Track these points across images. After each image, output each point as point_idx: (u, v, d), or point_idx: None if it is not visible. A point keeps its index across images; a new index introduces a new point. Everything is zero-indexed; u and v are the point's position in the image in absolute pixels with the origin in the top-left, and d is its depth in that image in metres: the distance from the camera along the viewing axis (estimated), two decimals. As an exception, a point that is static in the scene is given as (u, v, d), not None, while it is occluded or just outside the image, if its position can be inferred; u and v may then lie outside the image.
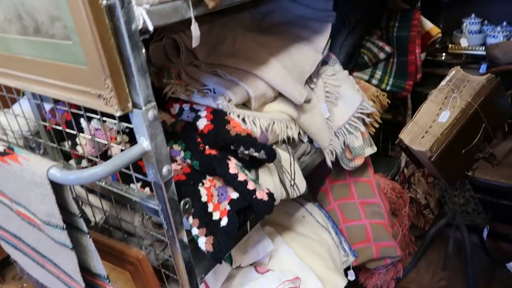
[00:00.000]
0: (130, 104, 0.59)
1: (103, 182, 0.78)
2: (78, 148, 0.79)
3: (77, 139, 0.79)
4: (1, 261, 1.96)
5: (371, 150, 1.27)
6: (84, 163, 0.83)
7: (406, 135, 1.32)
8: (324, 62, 1.24)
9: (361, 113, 1.24)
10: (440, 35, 1.52)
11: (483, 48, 1.87)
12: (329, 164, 1.14)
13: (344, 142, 1.20)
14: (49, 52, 0.63)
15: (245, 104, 0.98)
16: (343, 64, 1.27)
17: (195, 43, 0.67)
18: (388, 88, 1.40)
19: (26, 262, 0.85)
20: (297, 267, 1.11)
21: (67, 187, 0.60)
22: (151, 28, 0.56)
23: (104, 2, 0.51)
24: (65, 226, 0.61)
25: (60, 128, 0.79)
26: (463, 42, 1.93)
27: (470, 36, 1.93)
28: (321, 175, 1.45)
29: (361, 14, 1.35)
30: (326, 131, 1.11)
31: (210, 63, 0.98)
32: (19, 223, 0.76)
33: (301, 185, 1.01)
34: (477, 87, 1.26)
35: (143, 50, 0.57)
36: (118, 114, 0.58)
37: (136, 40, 0.55)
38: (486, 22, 1.98)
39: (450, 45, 1.99)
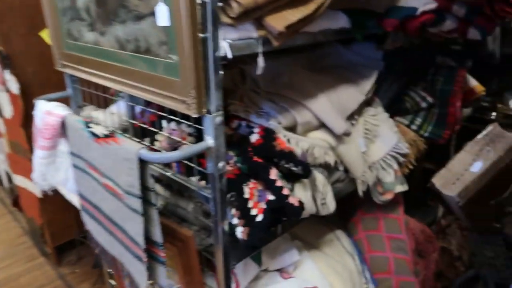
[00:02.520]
0: (204, 110, 0.78)
1: (170, 173, 0.98)
2: (156, 143, 1.00)
3: (156, 136, 1.00)
4: (59, 247, 2.22)
5: (401, 187, 1.37)
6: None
7: (438, 180, 1.42)
8: (368, 103, 1.39)
9: (396, 153, 1.36)
10: (483, 92, 1.62)
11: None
12: (360, 193, 1.27)
13: (377, 176, 1.33)
14: (151, 66, 0.85)
15: (292, 129, 1.15)
16: (385, 107, 1.42)
17: (259, 71, 0.86)
18: (427, 134, 1.51)
19: (98, 230, 1.06)
20: (318, 281, 1.22)
21: (148, 165, 0.80)
22: (230, 56, 0.76)
23: (201, 35, 0.72)
24: (141, 195, 0.81)
25: (146, 126, 1.01)
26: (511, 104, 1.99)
27: (520, 99, 1.99)
28: (354, 207, 1.56)
29: (409, 65, 1.50)
30: (360, 162, 1.25)
31: (269, 91, 1.17)
32: (102, 195, 0.97)
33: (331, 205, 1.14)
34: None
35: (221, 72, 0.77)
36: (195, 115, 0.77)
37: (218, 64, 0.75)
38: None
39: (499, 105, 2.05)
